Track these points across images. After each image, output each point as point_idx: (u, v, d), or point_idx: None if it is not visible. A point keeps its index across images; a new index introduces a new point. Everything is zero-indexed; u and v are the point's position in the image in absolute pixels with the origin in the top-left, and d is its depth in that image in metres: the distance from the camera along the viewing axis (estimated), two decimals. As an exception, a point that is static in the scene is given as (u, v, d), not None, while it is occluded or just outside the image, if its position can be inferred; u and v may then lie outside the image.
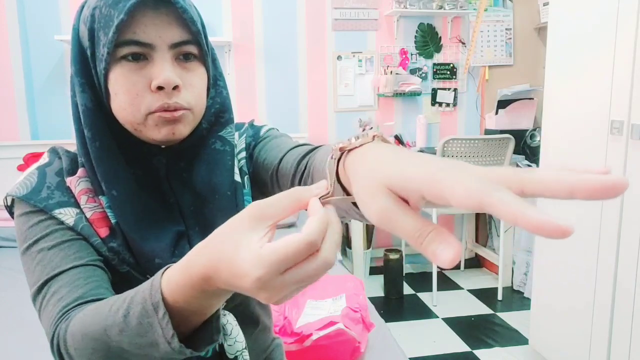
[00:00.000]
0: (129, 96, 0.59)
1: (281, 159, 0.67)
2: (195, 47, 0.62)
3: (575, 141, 1.85)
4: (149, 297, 0.45)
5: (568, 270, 1.91)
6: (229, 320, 0.69)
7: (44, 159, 0.69)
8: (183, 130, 0.62)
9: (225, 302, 0.68)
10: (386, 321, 1.66)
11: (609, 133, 1.68)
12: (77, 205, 0.64)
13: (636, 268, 1.60)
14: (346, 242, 3.17)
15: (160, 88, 0.58)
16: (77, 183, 0.64)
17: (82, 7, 0.63)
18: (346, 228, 3.12)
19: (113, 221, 0.63)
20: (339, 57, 3.21)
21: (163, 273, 0.45)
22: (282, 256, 0.35)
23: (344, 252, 3.26)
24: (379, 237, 3.38)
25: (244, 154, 0.76)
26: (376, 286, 3.06)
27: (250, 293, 0.37)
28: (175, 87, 0.59)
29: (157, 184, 0.67)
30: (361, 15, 3.20)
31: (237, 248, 0.37)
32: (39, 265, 0.59)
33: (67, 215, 0.63)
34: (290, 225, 2.59)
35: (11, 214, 0.67)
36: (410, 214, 0.30)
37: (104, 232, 0.63)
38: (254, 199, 0.75)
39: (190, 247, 0.66)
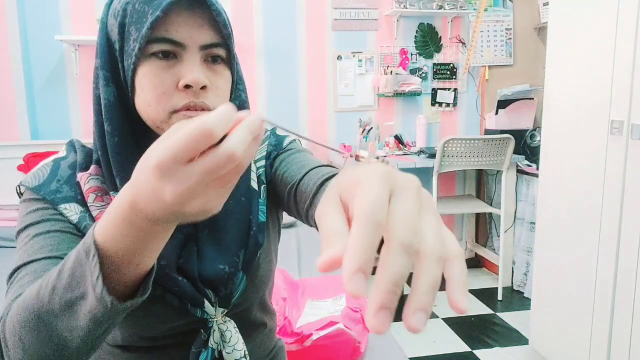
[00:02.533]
0: (155, 93, 0.59)
1: (303, 176, 0.67)
2: (223, 50, 0.62)
3: (575, 141, 1.85)
4: (82, 244, 0.44)
5: (568, 270, 1.92)
6: (229, 327, 0.69)
7: (62, 152, 0.70)
8: None
9: (228, 308, 0.69)
10: (386, 321, 1.66)
11: (609, 133, 1.68)
12: (83, 202, 0.64)
13: (636, 268, 1.60)
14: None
15: (187, 87, 0.58)
16: (87, 180, 0.64)
17: (111, 0, 0.63)
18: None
19: None
20: (339, 57, 3.21)
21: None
22: (177, 142, 0.34)
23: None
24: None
25: (263, 162, 0.74)
26: (376, 286, 3.06)
27: (155, 191, 0.36)
28: (203, 88, 0.59)
29: None
30: (361, 15, 3.19)
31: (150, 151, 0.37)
32: (21, 250, 0.59)
33: (72, 211, 0.63)
34: (290, 226, 2.59)
35: None
36: (340, 221, 0.28)
37: None
38: (269, 209, 0.74)
39: (198, 250, 0.66)
